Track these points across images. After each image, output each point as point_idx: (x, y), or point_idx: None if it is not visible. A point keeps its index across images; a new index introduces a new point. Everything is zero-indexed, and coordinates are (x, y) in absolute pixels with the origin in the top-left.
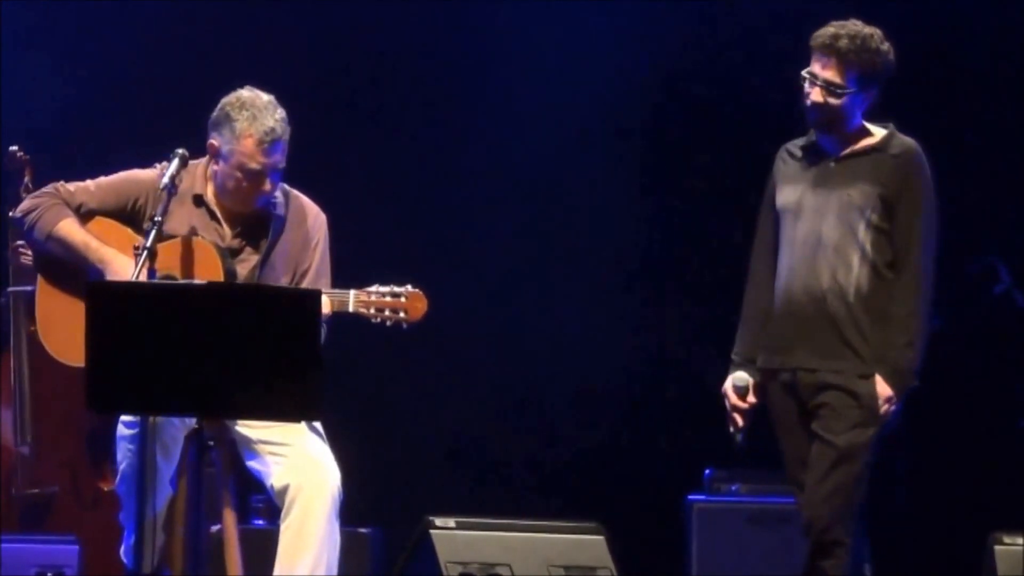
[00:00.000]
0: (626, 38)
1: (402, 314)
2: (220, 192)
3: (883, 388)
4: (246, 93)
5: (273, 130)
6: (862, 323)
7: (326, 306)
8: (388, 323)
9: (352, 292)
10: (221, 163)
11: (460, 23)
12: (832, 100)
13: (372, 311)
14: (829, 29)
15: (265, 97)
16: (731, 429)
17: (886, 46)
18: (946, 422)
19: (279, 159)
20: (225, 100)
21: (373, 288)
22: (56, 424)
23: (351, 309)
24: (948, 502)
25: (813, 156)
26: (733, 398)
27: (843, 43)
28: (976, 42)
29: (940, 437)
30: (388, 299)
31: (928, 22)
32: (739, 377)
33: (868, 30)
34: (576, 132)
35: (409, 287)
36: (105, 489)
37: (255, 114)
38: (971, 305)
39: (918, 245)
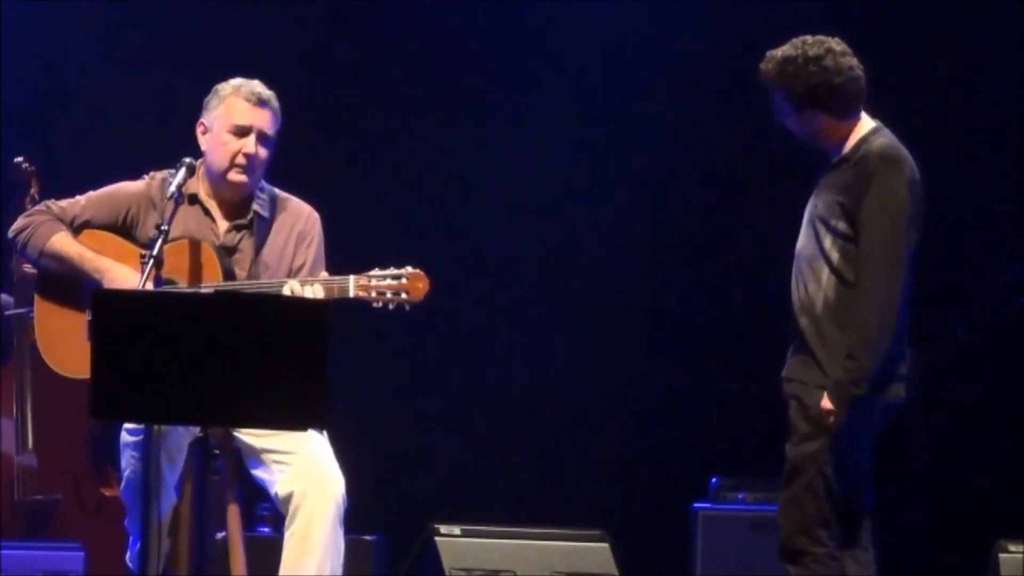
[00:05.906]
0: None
1: (404, 295)
2: (209, 175)
3: (824, 400)
4: (237, 78)
5: (261, 93)
6: (827, 335)
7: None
8: (391, 306)
9: (352, 277)
10: (209, 138)
11: (474, 16)
12: (784, 121)
13: (373, 295)
14: (768, 54)
15: (257, 82)
16: None
17: (821, 64)
18: (958, 430)
19: (267, 121)
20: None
21: (373, 272)
22: (58, 432)
23: (352, 294)
24: (955, 510)
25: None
26: None
27: (767, 67)
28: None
29: (950, 445)
30: (389, 282)
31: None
32: None
33: (795, 51)
34: (587, 131)
35: (409, 268)
36: (108, 495)
37: (242, 82)
38: (999, 315)
39: (870, 252)
